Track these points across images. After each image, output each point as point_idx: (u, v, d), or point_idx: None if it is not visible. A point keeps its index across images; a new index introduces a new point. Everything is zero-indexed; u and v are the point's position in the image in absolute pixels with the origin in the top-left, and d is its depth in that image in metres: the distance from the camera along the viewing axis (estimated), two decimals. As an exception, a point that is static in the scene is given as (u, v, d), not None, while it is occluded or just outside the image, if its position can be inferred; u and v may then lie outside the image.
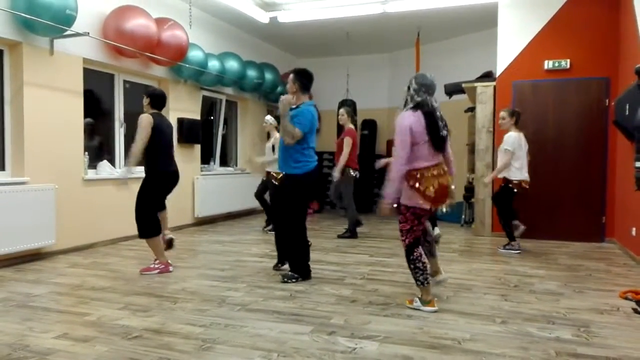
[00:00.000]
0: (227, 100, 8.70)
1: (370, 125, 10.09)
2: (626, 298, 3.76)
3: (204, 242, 6.36)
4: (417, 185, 3.37)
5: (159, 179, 4.54)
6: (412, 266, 3.47)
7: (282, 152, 4.34)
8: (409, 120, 3.38)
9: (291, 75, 4.38)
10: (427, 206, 3.42)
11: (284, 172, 4.35)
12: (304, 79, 4.35)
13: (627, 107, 4.69)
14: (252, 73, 8.39)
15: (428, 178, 3.38)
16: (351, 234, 6.68)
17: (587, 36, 6.36)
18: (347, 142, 6.50)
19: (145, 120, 4.41)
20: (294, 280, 4.23)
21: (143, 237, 4.52)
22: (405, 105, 3.51)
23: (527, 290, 4.04)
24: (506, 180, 5.60)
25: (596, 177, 6.39)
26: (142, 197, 4.48)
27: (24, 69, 4.93)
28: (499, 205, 5.74)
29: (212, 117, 8.65)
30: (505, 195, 5.64)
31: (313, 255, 5.34)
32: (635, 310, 3.46)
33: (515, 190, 5.55)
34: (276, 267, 4.66)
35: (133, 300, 3.66)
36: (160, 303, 3.60)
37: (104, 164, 6.05)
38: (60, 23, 4.86)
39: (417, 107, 3.41)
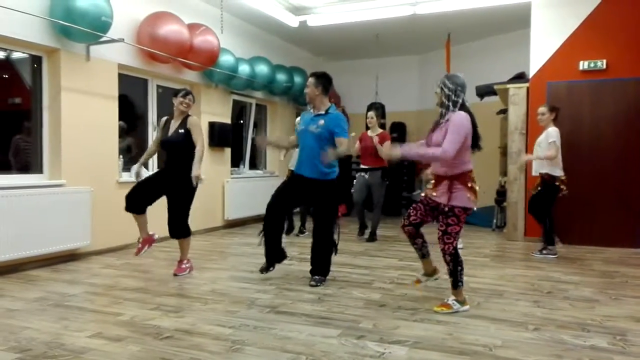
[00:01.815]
0: (257, 104, 8.78)
1: (399, 128, 10.02)
2: (666, 306, 3.64)
3: (234, 244, 6.42)
4: (475, 186, 3.46)
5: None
6: (458, 268, 3.49)
7: (310, 157, 4.23)
8: (467, 122, 3.39)
9: (311, 79, 4.29)
10: (475, 206, 3.49)
11: (313, 178, 4.23)
12: (326, 82, 4.30)
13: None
14: (281, 77, 8.45)
15: (474, 179, 3.49)
16: (376, 236, 6.67)
17: (624, 35, 6.18)
18: (388, 145, 6.50)
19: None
20: (322, 282, 4.25)
21: (182, 237, 4.57)
22: (442, 106, 3.47)
23: (561, 296, 3.95)
24: (552, 178, 5.42)
25: (634, 180, 6.19)
26: (187, 201, 4.52)
27: (61, 75, 5.08)
28: (542, 205, 5.55)
29: (242, 121, 8.75)
30: (552, 193, 5.47)
31: (341, 258, 5.34)
32: (676, 319, 3.34)
33: (563, 187, 5.42)
34: (266, 271, 4.41)
35: (165, 301, 3.72)
36: (191, 304, 3.66)
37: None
38: (96, 30, 4.99)
39: (462, 108, 3.44)
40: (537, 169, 5.61)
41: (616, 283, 4.41)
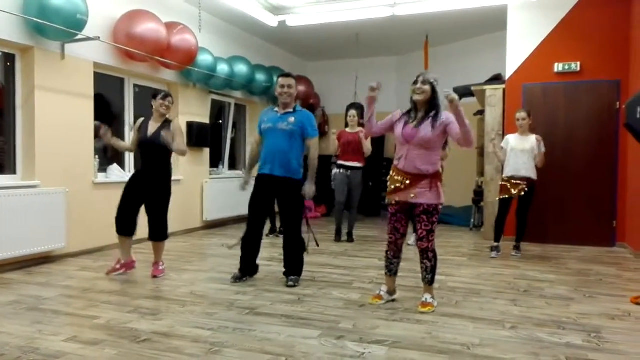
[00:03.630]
0: (236, 104, 8.73)
1: (378, 129, 10.07)
2: (637, 303, 3.72)
3: (213, 245, 6.37)
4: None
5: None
6: (437, 265, 3.61)
7: (279, 154, 4.20)
8: None
9: (292, 80, 4.30)
10: None
11: (283, 176, 4.21)
12: None
13: (639, 109, 4.65)
14: (261, 77, 8.41)
15: None
16: (353, 237, 6.69)
17: (598, 38, 6.32)
18: (370, 138, 6.57)
19: None
20: (298, 282, 4.26)
21: (163, 239, 4.58)
22: (431, 104, 3.49)
23: (537, 295, 4.01)
24: (535, 182, 5.58)
25: (607, 180, 6.34)
26: (167, 203, 4.53)
27: (35, 73, 4.97)
28: (528, 207, 5.68)
29: (221, 121, 8.69)
30: (533, 195, 5.63)
31: (321, 259, 5.36)
32: (648, 316, 3.42)
33: None
34: (239, 280, 4.33)
35: (142, 304, 3.67)
36: (169, 306, 3.61)
37: (114, 168, 6.10)
38: (72, 27, 4.90)
39: None
40: (527, 173, 5.56)
41: (591, 281, 4.50)
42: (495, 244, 5.75)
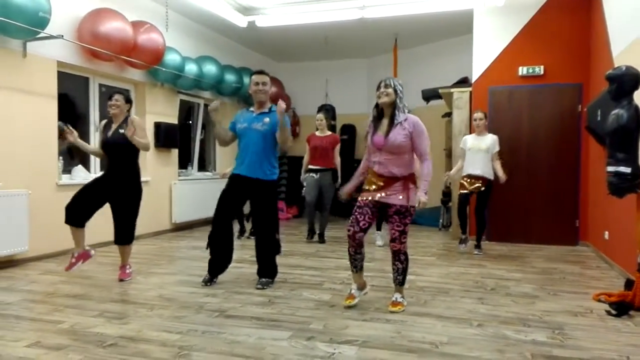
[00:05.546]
0: (205, 105, 8.63)
1: (349, 130, 10.13)
2: (599, 300, 3.83)
3: (182, 248, 6.29)
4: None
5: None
6: (408, 266, 3.66)
7: (256, 156, 4.19)
8: None
9: (266, 77, 4.30)
10: None
11: (257, 178, 4.19)
12: None
13: (599, 112, 4.78)
14: (230, 77, 8.34)
15: None
16: (324, 238, 6.71)
17: (560, 43, 6.49)
18: (338, 148, 6.71)
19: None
20: (270, 284, 4.23)
21: (129, 243, 4.47)
22: (395, 106, 3.52)
23: (503, 293, 4.09)
24: (491, 181, 5.77)
25: (570, 181, 6.52)
26: (135, 206, 4.42)
27: (-5, 72, 4.83)
28: (486, 205, 5.82)
29: (190, 121, 8.58)
30: (490, 194, 5.80)
31: (292, 260, 5.35)
32: (608, 312, 3.52)
33: None
34: (210, 283, 4.27)
35: (108, 308, 3.59)
36: (137, 310, 3.55)
37: (79, 169, 5.96)
38: (34, 25, 4.78)
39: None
40: (483, 172, 5.75)
41: (555, 279, 4.62)
42: (463, 236, 5.94)
